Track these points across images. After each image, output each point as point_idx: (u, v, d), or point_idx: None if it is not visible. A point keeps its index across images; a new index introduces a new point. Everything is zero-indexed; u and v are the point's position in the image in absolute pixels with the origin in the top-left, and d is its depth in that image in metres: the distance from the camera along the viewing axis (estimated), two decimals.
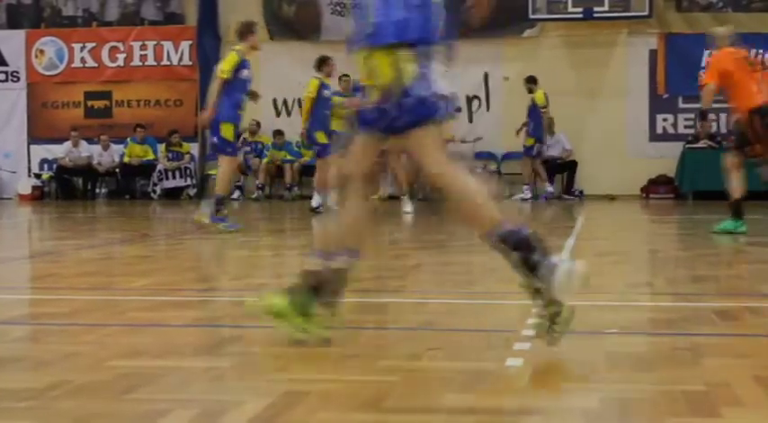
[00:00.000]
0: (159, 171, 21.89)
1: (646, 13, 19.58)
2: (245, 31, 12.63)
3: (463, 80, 20.25)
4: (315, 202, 15.53)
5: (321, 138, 15.39)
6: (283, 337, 4.58)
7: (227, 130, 11.98)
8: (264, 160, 20.92)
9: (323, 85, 15.41)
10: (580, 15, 19.99)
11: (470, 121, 20.77)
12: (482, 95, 21.09)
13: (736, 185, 11.13)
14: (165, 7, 23.13)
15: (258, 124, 21.48)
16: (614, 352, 4.28)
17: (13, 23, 23.65)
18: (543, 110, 18.88)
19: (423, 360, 4.02)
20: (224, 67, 11.94)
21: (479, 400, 3.32)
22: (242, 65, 12.10)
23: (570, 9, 20.06)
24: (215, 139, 12.28)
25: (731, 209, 10.95)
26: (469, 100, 20.93)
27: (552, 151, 20.24)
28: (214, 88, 12.09)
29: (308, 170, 20.29)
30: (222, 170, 12.33)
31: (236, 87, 12.00)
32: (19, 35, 23.43)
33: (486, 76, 20.74)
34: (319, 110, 15.34)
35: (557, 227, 13.95)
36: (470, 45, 19.72)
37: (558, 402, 3.44)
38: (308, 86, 15.46)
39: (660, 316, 5.61)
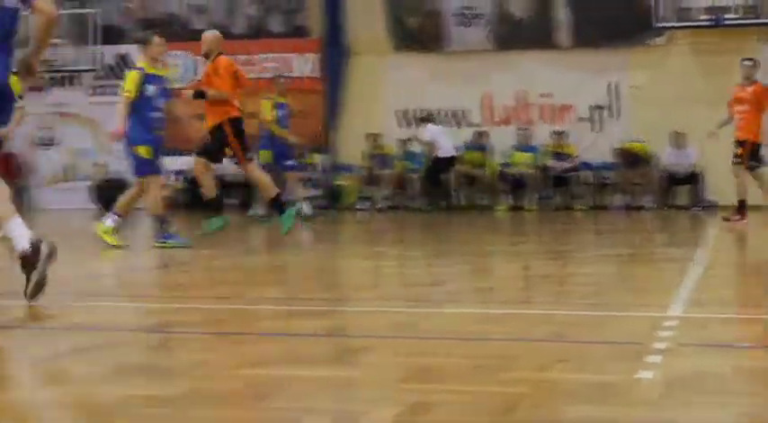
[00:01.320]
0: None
1: None
2: (143, 41, 12.25)
3: (588, 90, 20.79)
4: None
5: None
6: (412, 347, 4.59)
7: (143, 151, 11.63)
8: (390, 171, 20.94)
9: None
10: (710, 22, 19.84)
11: (599, 129, 20.92)
12: (608, 105, 21.06)
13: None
14: (291, 20, 23.19)
15: (377, 136, 21.65)
16: (742, 366, 4.23)
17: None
18: None
19: (551, 371, 3.99)
20: (127, 87, 11.74)
21: (609, 413, 3.29)
22: (145, 81, 11.79)
23: (699, 16, 20.00)
24: (133, 161, 11.82)
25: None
26: (593, 110, 21.01)
27: (678, 164, 20.19)
28: (120, 108, 11.75)
29: None
30: (151, 192, 11.88)
31: (143, 106, 11.65)
32: None
33: (612, 86, 20.70)
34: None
35: (686, 237, 14.09)
36: (596, 55, 20.44)
37: (692, 416, 3.40)
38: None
39: None
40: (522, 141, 21.39)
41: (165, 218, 11.79)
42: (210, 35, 13.42)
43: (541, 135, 21.51)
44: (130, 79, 11.68)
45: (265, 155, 17.16)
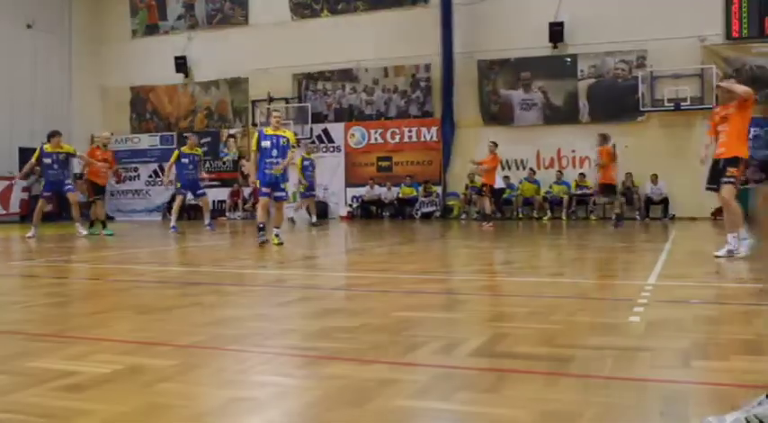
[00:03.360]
0: (420, 202, 27.25)
1: (713, 106, 21.37)
2: (269, 113, 11.57)
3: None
4: None
5: None
6: None
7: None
8: (479, 196, 23.02)
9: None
10: (672, 108, 25.00)
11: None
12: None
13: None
14: (423, 107, 27.84)
15: (472, 175, 25.23)
16: (695, 314, 5.10)
17: (337, 119, 29.03)
18: None
19: None
20: (252, 145, 12.29)
21: None
22: (261, 138, 12.30)
23: (666, 104, 25.08)
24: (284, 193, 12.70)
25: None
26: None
27: (654, 193, 25.17)
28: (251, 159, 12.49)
29: None
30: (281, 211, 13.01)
31: (261, 155, 12.32)
32: (340, 126, 28.84)
33: (613, 146, 23.43)
34: None
35: (659, 236, 15.85)
36: (604, 127, 24.16)
37: None
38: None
39: (721, 292, 6.68)
40: (559, 178, 26.18)
41: (262, 225, 13.14)
42: (109, 134, 16.92)
43: (571, 175, 26.18)
44: (253, 138, 12.42)
45: (302, 187, 21.09)
